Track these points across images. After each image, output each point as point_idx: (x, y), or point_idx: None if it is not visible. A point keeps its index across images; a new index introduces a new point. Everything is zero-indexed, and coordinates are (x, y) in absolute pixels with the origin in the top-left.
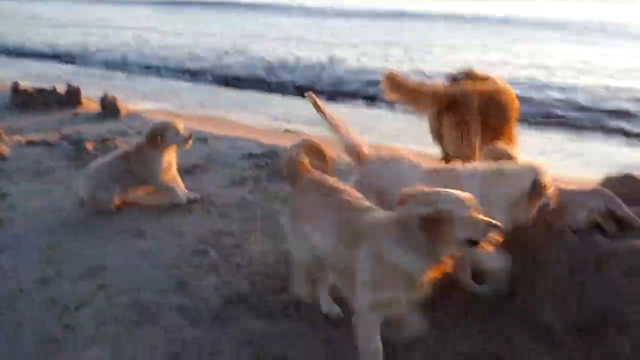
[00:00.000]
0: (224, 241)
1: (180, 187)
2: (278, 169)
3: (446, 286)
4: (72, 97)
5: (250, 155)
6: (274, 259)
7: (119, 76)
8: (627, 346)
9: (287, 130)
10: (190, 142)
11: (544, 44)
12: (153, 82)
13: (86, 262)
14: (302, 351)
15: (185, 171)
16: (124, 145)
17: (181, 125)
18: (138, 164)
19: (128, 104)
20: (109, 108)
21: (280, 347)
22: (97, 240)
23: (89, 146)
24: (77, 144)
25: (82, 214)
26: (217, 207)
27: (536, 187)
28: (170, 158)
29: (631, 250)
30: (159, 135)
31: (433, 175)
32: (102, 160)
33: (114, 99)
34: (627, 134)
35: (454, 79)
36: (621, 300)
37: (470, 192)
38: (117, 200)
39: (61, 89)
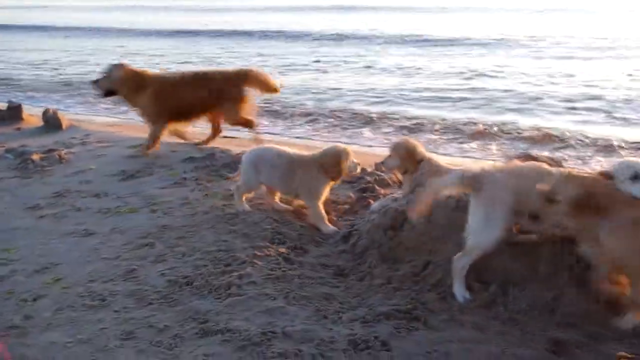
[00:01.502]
0: (168, 234)
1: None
2: (217, 170)
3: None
4: (14, 113)
5: (191, 158)
6: (215, 248)
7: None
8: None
9: (224, 137)
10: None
11: None
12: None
13: (40, 260)
14: (244, 320)
15: (129, 176)
16: (69, 155)
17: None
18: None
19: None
20: (50, 122)
21: (223, 320)
22: (48, 241)
23: (36, 157)
24: (22, 155)
25: (31, 220)
26: (160, 205)
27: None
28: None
29: None
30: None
31: None
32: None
33: (55, 113)
34: None
35: None
36: None
37: None
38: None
39: (2, 105)
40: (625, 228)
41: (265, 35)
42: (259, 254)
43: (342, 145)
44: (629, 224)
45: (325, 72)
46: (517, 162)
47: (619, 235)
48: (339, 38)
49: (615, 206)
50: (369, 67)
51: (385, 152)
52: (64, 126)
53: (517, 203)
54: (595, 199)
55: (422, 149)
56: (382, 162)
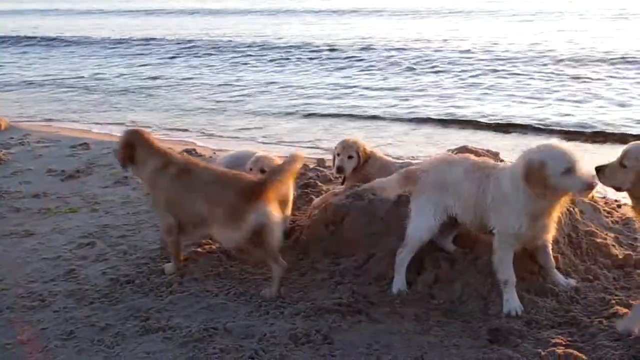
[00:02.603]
0: (110, 233)
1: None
2: None
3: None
4: None
5: None
6: (157, 246)
7: None
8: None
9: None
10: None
11: None
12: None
13: None
14: (184, 317)
15: (69, 176)
16: (8, 156)
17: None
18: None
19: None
20: None
21: (164, 317)
22: None
23: None
24: None
25: None
26: (101, 205)
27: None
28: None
29: None
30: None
31: None
32: None
33: None
34: None
35: None
36: None
37: None
38: None
39: None
40: None
41: None
42: (200, 251)
43: None
44: None
45: None
46: (448, 155)
47: None
48: None
49: None
50: None
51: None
52: (2, 127)
53: (443, 195)
54: None
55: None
56: (339, 166)
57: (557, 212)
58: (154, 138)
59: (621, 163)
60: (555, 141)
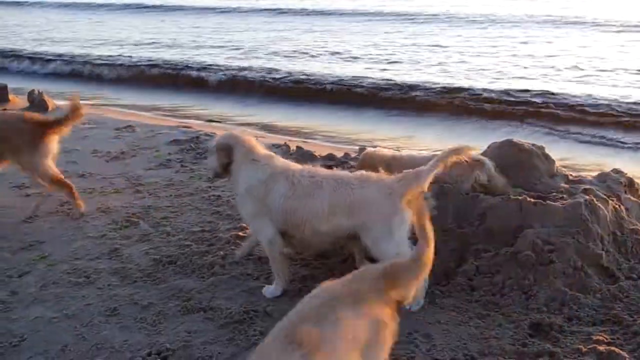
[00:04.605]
0: (153, 214)
1: None
2: (201, 153)
3: None
4: (0, 94)
5: (176, 141)
6: (199, 229)
7: None
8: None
9: (209, 120)
10: None
11: None
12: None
13: (25, 238)
14: (226, 299)
15: (114, 157)
16: None
17: None
18: None
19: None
20: (37, 103)
21: (206, 298)
22: (34, 221)
23: None
24: None
25: (16, 199)
26: (145, 186)
27: None
28: None
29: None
30: None
31: None
32: None
33: (41, 94)
34: None
35: None
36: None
37: None
38: None
39: None
40: None
41: None
42: (241, 234)
43: None
44: None
45: None
46: None
47: None
48: None
49: None
50: None
51: None
52: (49, 107)
53: None
54: None
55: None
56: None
57: None
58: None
59: None
60: None
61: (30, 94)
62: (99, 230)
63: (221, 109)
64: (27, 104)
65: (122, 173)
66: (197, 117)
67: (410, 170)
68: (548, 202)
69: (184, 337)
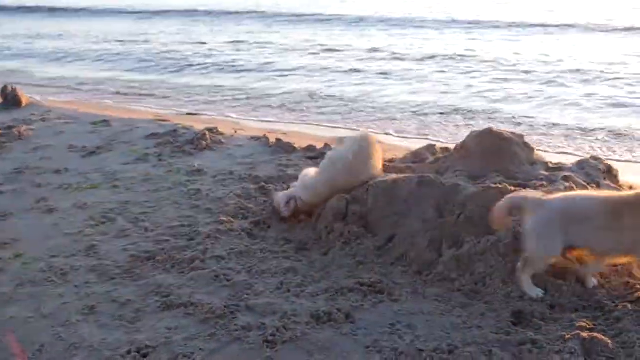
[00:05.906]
0: (131, 210)
1: None
2: (179, 146)
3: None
4: None
5: (153, 135)
6: (178, 223)
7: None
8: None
9: (189, 114)
10: None
11: None
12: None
13: (0, 235)
14: (207, 294)
15: (90, 152)
16: (28, 132)
17: None
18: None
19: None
20: (10, 99)
21: (186, 293)
22: (8, 218)
23: None
24: None
25: None
26: (122, 181)
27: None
28: None
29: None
30: None
31: None
32: None
33: (15, 90)
34: None
35: None
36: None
37: None
38: None
39: None
40: None
41: None
42: (222, 229)
43: None
44: None
45: None
46: None
47: None
48: None
49: None
50: None
51: None
52: (23, 103)
53: None
54: None
55: None
56: None
57: None
58: None
59: None
60: None
61: (3, 89)
62: (76, 227)
63: None
64: (0, 100)
65: (99, 168)
66: None
67: None
68: (528, 189)
69: (164, 334)
